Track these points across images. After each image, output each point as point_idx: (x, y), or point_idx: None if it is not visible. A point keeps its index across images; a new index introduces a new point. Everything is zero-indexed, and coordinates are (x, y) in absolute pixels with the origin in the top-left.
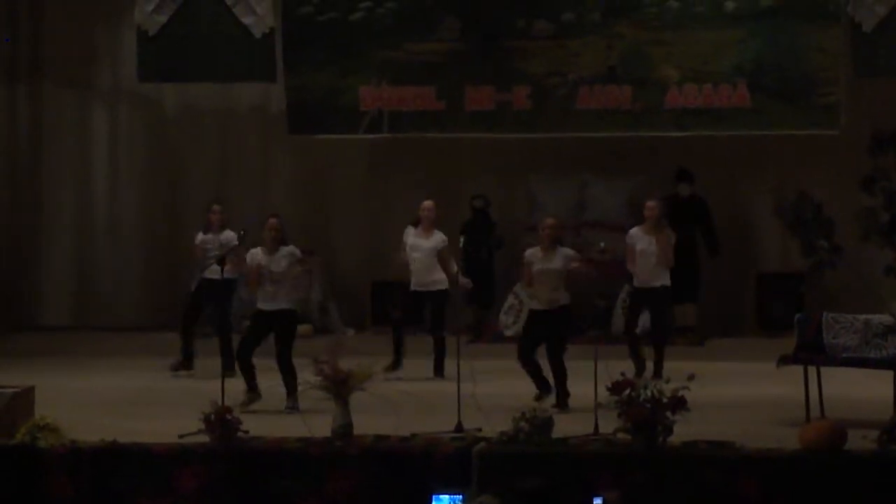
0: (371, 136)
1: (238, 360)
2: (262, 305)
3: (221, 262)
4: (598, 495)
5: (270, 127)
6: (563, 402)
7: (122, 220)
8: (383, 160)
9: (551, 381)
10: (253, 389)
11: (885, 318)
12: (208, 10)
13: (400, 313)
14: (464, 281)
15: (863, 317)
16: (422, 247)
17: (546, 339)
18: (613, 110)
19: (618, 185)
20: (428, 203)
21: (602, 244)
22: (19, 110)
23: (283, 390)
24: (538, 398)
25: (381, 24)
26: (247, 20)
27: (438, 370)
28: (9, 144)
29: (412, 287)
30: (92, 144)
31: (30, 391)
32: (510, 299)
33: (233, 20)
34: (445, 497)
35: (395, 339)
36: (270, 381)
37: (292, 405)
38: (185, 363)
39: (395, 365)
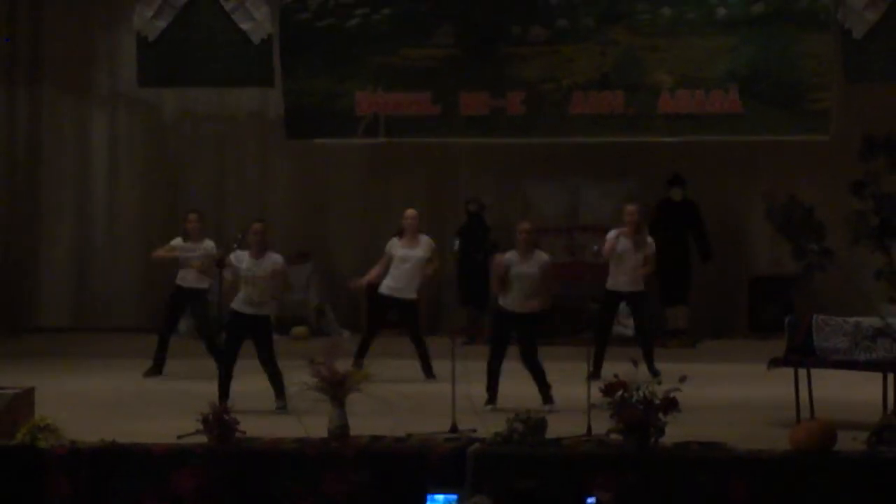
0: (367, 140)
1: (224, 367)
2: (245, 309)
3: (220, 263)
4: (590, 496)
5: (268, 132)
6: (548, 397)
7: (121, 223)
8: (380, 164)
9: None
10: (226, 397)
11: (875, 321)
12: (207, 15)
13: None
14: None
15: (853, 319)
16: (413, 256)
17: (518, 343)
18: (607, 116)
19: (611, 189)
20: (410, 212)
21: (595, 247)
22: (18, 113)
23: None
24: (489, 403)
25: (378, 31)
26: (245, 26)
27: (428, 371)
28: (8, 147)
29: (384, 290)
30: (91, 148)
31: (30, 392)
32: None
33: (231, 26)
34: (440, 497)
35: (369, 340)
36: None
37: (283, 405)
38: (157, 369)
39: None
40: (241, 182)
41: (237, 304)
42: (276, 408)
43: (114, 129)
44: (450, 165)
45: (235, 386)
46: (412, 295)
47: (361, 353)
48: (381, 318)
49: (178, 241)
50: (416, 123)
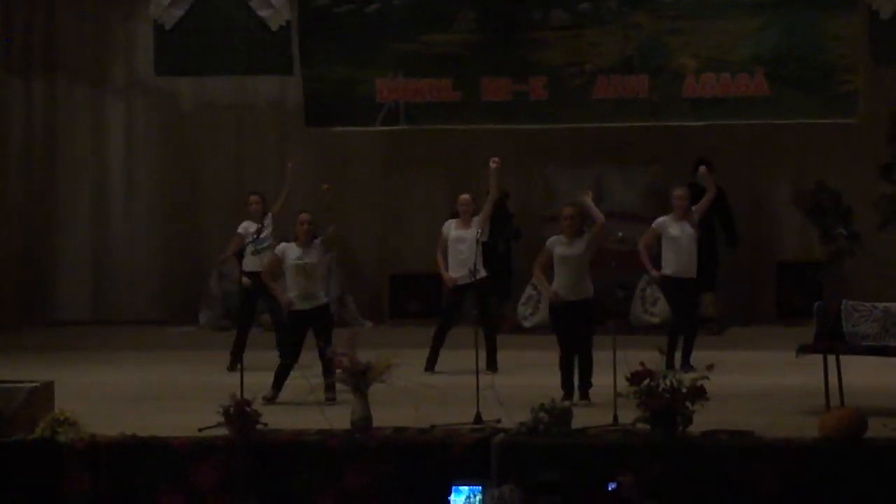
0: (388, 128)
1: (283, 362)
2: (303, 304)
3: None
4: (611, 480)
5: (287, 120)
6: (585, 394)
7: (139, 214)
8: (400, 152)
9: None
10: (278, 389)
11: None
12: (225, 3)
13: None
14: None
15: (882, 305)
16: (467, 238)
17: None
18: (631, 100)
19: (635, 174)
20: (464, 197)
21: (620, 234)
22: (35, 105)
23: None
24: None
25: (397, 17)
26: (263, 13)
27: (492, 364)
28: (25, 139)
29: (458, 282)
30: (108, 139)
31: (49, 386)
32: (528, 290)
33: (249, 13)
34: (465, 488)
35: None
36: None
37: (333, 396)
38: (237, 360)
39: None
40: (259, 171)
41: (295, 301)
42: (327, 399)
43: (131, 118)
44: (471, 152)
45: (255, 378)
46: (484, 274)
47: (437, 348)
48: (456, 308)
49: (244, 225)
50: (437, 110)
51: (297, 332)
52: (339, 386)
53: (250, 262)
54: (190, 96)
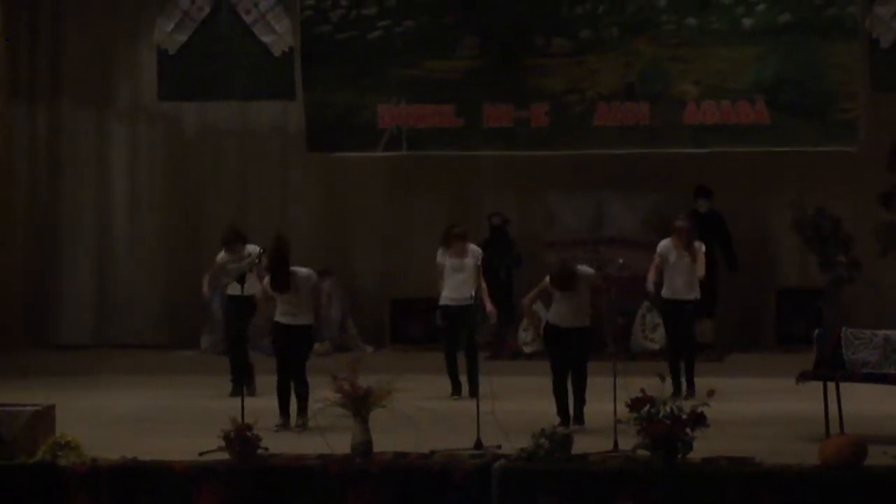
0: (390, 153)
1: (277, 384)
2: (281, 319)
3: (241, 279)
4: None
5: (289, 145)
6: (580, 414)
7: (142, 238)
8: (402, 178)
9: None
10: (286, 415)
11: None
12: (228, 29)
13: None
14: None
15: (882, 332)
16: (467, 266)
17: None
18: (632, 127)
19: (636, 201)
20: (458, 228)
21: (621, 261)
22: (39, 129)
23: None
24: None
25: (400, 43)
26: (266, 39)
27: (473, 389)
28: (28, 163)
29: (444, 301)
30: (111, 163)
31: (51, 409)
32: None
33: (252, 39)
34: None
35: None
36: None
37: (301, 423)
38: (245, 386)
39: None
40: (261, 196)
41: (277, 314)
42: (296, 425)
43: (134, 143)
44: (473, 178)
45: (256, 402)
46: (469, 302)
47: (454, 374)
48: (455, 331)
49: (221, 256)
50: (439, 136)
51: (275, 342)
52: (340, 411)
53: (231, 287)
54: (193, 121)
